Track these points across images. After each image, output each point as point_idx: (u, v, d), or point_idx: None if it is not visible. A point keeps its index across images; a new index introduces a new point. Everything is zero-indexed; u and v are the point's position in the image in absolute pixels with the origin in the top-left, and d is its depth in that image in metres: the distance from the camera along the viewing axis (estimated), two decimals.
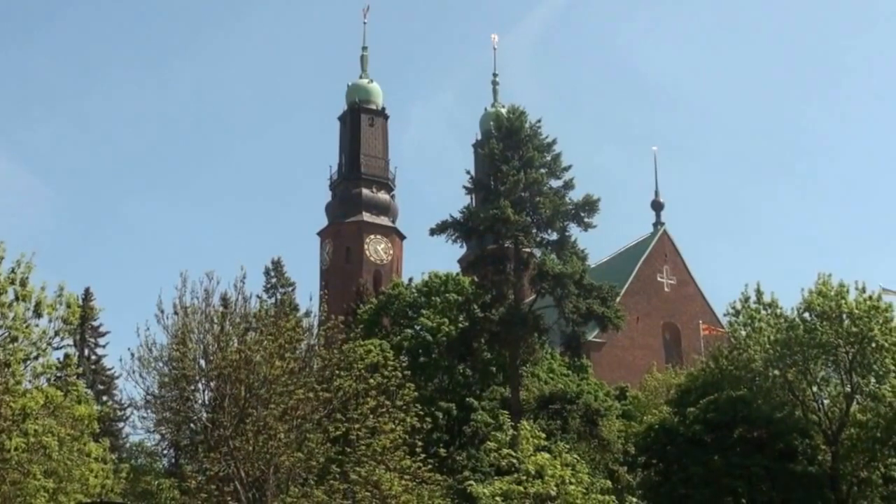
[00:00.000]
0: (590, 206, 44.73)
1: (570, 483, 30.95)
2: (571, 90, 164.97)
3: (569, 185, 45.36)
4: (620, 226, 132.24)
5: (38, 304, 28.68)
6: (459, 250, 71.93)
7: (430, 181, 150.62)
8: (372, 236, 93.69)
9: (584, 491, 30.86)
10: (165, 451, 42.76)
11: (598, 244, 75.74)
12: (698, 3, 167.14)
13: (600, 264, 68.81)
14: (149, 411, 33.44)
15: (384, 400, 33.04)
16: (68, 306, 29.23)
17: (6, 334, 27.77)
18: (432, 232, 46.08)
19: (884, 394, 38.29)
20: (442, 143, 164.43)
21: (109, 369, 53.16)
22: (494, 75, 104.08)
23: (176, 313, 31.42)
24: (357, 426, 32.12)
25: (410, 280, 54.39)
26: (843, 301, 40.21)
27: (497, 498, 30.71)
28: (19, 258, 28.30)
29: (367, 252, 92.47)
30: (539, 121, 45.98)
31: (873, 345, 39.46)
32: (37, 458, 29.71)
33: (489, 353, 44.64)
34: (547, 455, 31.29)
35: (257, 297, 35.78)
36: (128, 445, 47.62)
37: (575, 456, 32.55)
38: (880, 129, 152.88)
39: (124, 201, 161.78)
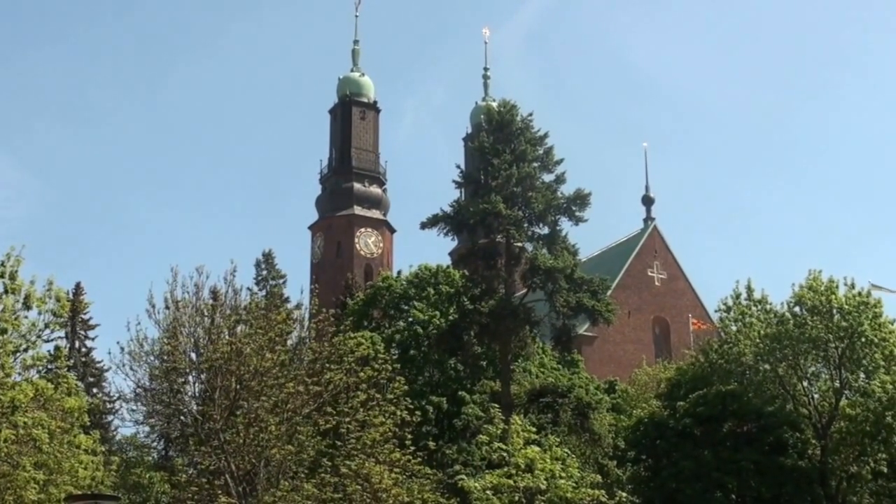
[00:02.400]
0: (581, 200, 44.68)
1: (560, 477, 31.03)
2: (562, 85, 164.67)
3: (560, 179, 45.29)
4: (611, 221, 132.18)
5: (27, 297, 28.71)
6: (450, 244, 71.96)
7: (421, 175, 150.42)
8: (363, 230, 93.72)
9: (574, 485, 30.94)
10: (155, 444, 42.84)
11: (588, 239, 75.96)
12: None
13: (591, 259, 68.84)
14: (138, 404, 33.53)
15: (374, 393, 33.08)
16: (58, 300, 29.27)
17: None
18: (423, 226, 46.04)
19: (873, 389, 38.48)
20: (432, 136, 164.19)
21: (99, 362, 53.24)
22: (485, 69, 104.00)
23: (167, 307, 31.50)
24: (347, 419, 32.16)
25: (399, 273, 54.40)
26: (833, 296, 40.40)
27: (488, 492, 30.80)
28: (8, 252, 28.34)
29: (357, 245, 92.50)
30: (531, 114, 45.91)
31: (863, 340, 39.66)
32: (27, 451, 29.71)
33: (480, 347, 44.65)
34: (537, 449, 31.35)
35: (248, 289, 35.89)
36: (118, 438, 47.62)
37: (565, 450, 32.62)
38: (872, 125, 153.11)
39: (114, 196, 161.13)
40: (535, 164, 45.46)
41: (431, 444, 36.72)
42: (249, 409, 30.56)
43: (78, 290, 52.82)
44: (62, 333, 39.93)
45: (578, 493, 30.65)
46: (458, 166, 49.42)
